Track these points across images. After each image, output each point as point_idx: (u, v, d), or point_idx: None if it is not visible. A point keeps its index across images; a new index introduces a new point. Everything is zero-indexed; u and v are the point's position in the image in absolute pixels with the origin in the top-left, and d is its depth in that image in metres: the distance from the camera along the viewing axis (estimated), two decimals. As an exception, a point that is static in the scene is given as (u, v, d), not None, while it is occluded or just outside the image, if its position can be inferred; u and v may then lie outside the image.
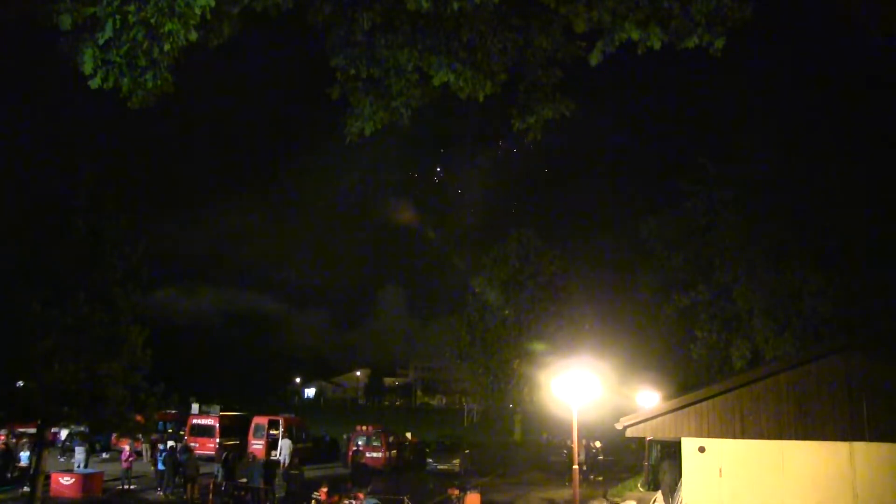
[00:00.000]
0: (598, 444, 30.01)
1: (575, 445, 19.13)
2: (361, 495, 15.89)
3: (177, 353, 66.79)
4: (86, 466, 24.61)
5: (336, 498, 16.54)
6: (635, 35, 6.76)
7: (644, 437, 20.98)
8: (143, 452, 29.52)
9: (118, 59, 5.87)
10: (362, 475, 20.98)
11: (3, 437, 25.91)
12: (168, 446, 24.27)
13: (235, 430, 32.51)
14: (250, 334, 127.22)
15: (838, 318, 26.35)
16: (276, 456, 29.21)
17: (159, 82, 6.18)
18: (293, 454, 27.12)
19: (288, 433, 31.42)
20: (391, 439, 31.74)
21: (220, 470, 21.66)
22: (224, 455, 22.94)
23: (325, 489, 16.90)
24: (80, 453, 24.74)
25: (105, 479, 23.58)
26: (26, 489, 21.15)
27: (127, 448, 24.40)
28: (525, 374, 47.23)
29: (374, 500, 16.07)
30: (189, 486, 22.04)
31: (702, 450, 16.18)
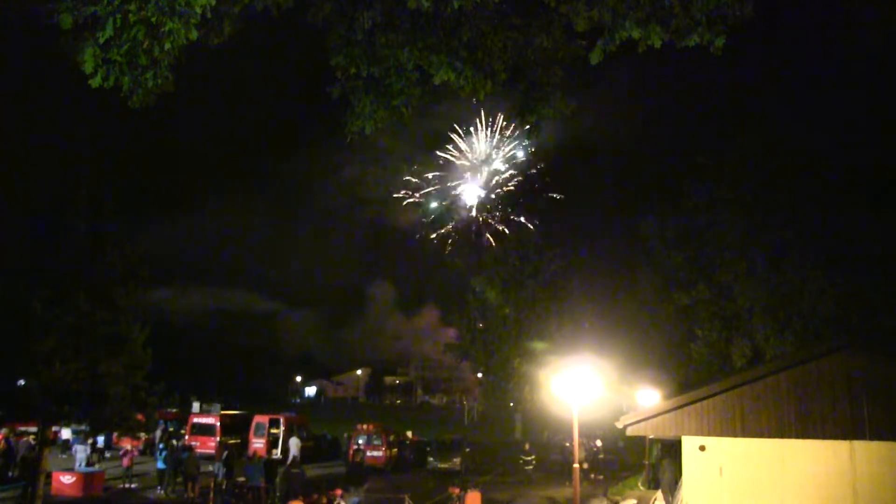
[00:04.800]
0: (598, 442, 30.01)
1: (576, 444, 19.12)
2: (339, 491, 15.87)
3: (177, 352, 66.82)
4: (88, 465, 24.64)
5: (315, 497, 16.52)
6: (636, 34, 6.76)
7: (644, 436, 20.98)
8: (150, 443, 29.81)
9: (119, 59, 5.87)
10: (359, 474, 21.01)
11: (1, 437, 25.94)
12: (169, 445, 24.32)
13: (236, 428, 32.56)
14: (247, 333, 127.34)
15: (839, 317, 26.35)
16: (276, 454, 29.31)
17: (160, 81, 6.19)
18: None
19: (289, 432, 31.52)
20: (392, 438, 31.78)
21: (221, 469, 21.69)
22: (225, 454, 22.97)
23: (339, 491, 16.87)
24: (80, 452, 24.76)
25: (106, 477, 23.62)
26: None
27: (128, 447, 24.44)
28: (525, 373, 47.21)
29: (356, 499, 16.07)
30: (190, 484, 22.08)
31: (702, 448, 16.18)
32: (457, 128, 78.02)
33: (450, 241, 78.81)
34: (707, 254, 30.95)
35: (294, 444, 29.84)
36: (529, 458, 27.68)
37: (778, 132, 30.43)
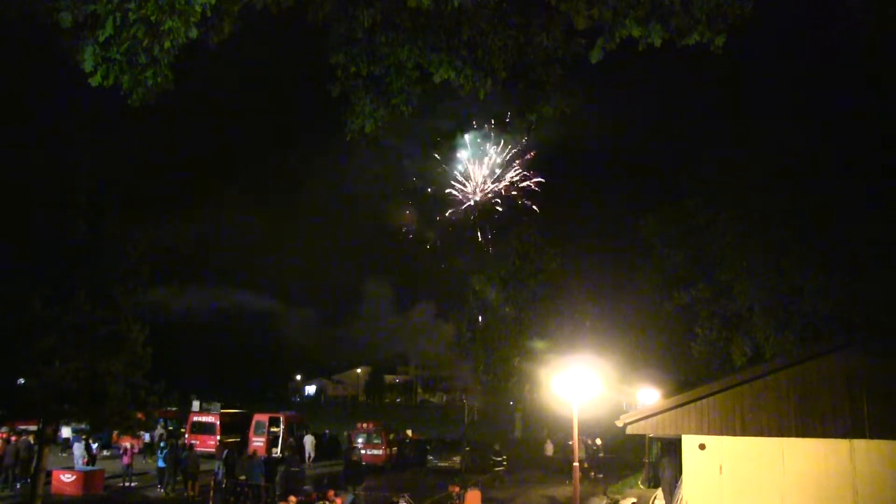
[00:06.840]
0: (598, 441, 30.00)
1: (575, 443, 19.14)
2: (332, 492, 15.91)
3: (176, 350, 66.84)
4: (92, 464, 24.67)
5: (312, 497, 16.52)
6: (636, 32, 6.76)
7: (644, 435, 20.99)
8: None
9: (118, 57, 5.86)
10: (355, 473, 20.97)
11: (4, 436, 25.93)
12: (168, 442, 24.34)
13: (236, 427, 32.58)
14: (247, 332, 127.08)
15: (839, 316, 26.32)
16: (276, 453, 29.35)
17: (160, 80, 6.18)
18: (292, 450, 27.30)
19: (289, 430, 31.56)
20: (392, 437, 31.80)
21: (221, 467, 21.69)
22: (225, 452, 22.98)
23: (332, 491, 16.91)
24: (80, 450, 24.77)
25: (106, 476, 23.63)
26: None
27: (127, 445, 24.45)
28: (525, 372, 47.22)
29: (351, 496, 16.04)
30: (190, 483, 22.08)
31: (702, 447, 16.18)
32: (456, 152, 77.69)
33: (449, 242, 78.72)
34: (707, 253, 30.95)
35: (309, 441, 30.25)
36: (500, 460, 27.09)
37: (778, 131, 30.40)
